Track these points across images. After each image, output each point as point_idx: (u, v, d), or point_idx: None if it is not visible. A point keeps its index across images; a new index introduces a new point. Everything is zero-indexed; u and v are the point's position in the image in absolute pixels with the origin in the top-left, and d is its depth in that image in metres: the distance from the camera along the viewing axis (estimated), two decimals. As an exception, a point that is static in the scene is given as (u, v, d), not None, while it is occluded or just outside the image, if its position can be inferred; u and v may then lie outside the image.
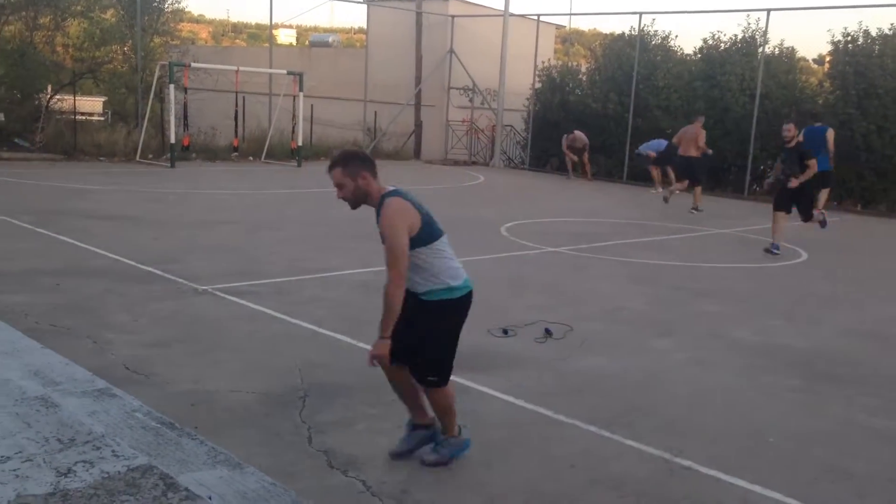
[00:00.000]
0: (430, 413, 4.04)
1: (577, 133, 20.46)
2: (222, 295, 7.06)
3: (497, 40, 22.73)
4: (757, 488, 3.91)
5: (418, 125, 25.14)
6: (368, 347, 5.78)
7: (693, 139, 14.45)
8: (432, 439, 4.04)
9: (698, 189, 14.53)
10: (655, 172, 17.79)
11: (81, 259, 8.23)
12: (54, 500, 2.66)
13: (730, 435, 4.59)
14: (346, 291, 7.34)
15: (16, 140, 18.29)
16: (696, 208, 14.40)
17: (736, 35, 19.85)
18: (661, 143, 17.26)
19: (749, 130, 18.35)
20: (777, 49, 20.02)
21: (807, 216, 10.97)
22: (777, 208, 10.75)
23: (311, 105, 22.24)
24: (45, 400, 3.59)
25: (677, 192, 14.74)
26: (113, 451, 3.08)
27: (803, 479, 4.06)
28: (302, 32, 63.29)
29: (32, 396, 3.63)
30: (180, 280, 7.52)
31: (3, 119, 17.99)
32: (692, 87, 19.63)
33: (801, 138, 10.82)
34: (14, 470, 2.86)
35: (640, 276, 8.92)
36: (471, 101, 24.56)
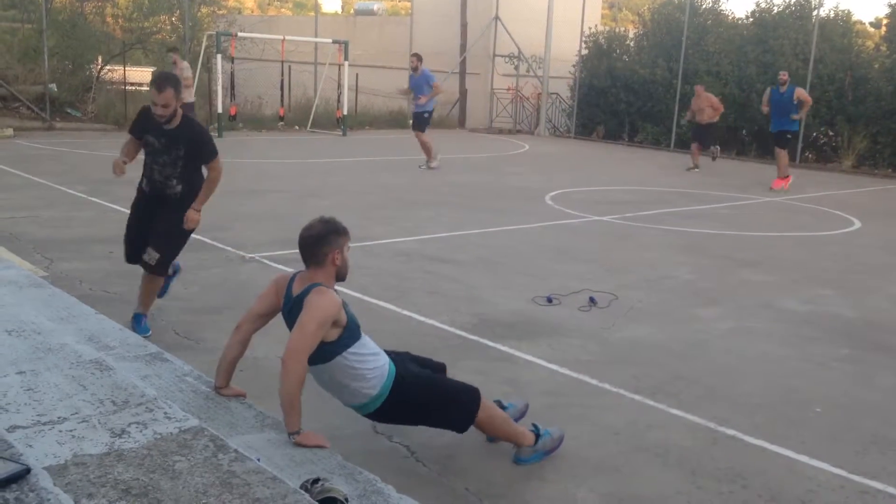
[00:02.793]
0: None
1: None
2: (269, 263, 7.17)
3: (543, 6, 22.40)
4: (803, 458, 3.88)
5: (463, 93, 24.99)
6: (413, 315, 5.89)
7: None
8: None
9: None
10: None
11: (133, 227, 8.38)
12: (109, 460, 2.74)
13: (776, 404, 4.55)
14: (389, 260, 7.38)
15: (68, 110, 18.65)
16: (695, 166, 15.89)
17: (789, -2, 19.34)
18: None
19: (802, 96, 17.89)
20: (832, 12, 19.47)
21: None
22: None
23: (356, 74, 22.25)
24: (100, 363, 3.69)
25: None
26: (165, 413, 3.16)
27: (851, 449, 4.01)
28: (347, 1, 63.13)
29: (87, 360, 3.73)
30: (228, 248, 7.63)
31: (55, 90, 18.33)
32: (743, 52, 19.18)
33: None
34: (71, 430, 2.96)
35: (686, 245, 8.82)
36: (516, 68, 24.31)
